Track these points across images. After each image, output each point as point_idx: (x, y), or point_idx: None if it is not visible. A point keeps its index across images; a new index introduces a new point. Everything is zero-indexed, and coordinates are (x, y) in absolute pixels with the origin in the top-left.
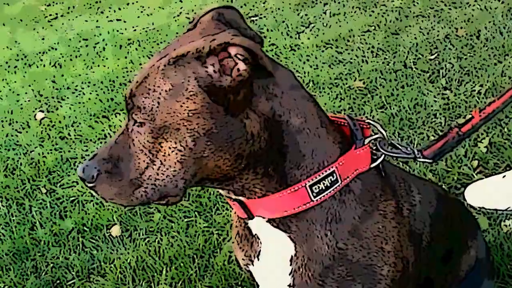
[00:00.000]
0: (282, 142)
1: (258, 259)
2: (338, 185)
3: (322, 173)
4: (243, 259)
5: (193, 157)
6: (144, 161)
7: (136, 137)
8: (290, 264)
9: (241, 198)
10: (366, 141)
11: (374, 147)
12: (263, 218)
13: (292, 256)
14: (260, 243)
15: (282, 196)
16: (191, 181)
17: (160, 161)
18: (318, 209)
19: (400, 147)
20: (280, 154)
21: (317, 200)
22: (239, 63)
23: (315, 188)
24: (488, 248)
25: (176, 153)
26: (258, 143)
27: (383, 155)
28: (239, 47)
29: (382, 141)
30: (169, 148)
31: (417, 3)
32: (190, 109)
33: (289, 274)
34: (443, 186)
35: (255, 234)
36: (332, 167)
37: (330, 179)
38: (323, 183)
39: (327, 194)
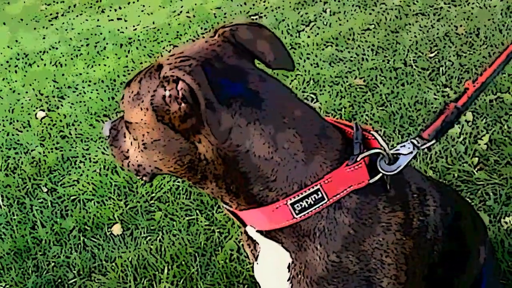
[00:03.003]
0: (239, 169)
1: (257, 262)
2: (325, 203)
3: (305, 192)
4: (250, 255)
5: (145, 157)
6: (127, 141)
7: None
8: (289, 271)
9: (227, 207)
10: (359, 158)
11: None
12: (254, 227)
13: (289, 264)
14: (259, 247)
15: (264, 212)
16: (159, 171)
17: (134, 147)
18: (304, 224)
19: (400, 152)
20: (241, 177)
21: (300, 217)
22: (181, 100)
23: (297, 206)
24: (493, 248)
25: (135, 148)
26: (212, 165)
27: (380, 174)
28: (185, 84)
29: (382, 158)
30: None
31: (417, 1)
32: (141, 119)
33: (287, 280)
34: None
35: (254, 240)
36: (316, 185)
37: (314, 197)
38: (306, 201)
39: (312, 211)
